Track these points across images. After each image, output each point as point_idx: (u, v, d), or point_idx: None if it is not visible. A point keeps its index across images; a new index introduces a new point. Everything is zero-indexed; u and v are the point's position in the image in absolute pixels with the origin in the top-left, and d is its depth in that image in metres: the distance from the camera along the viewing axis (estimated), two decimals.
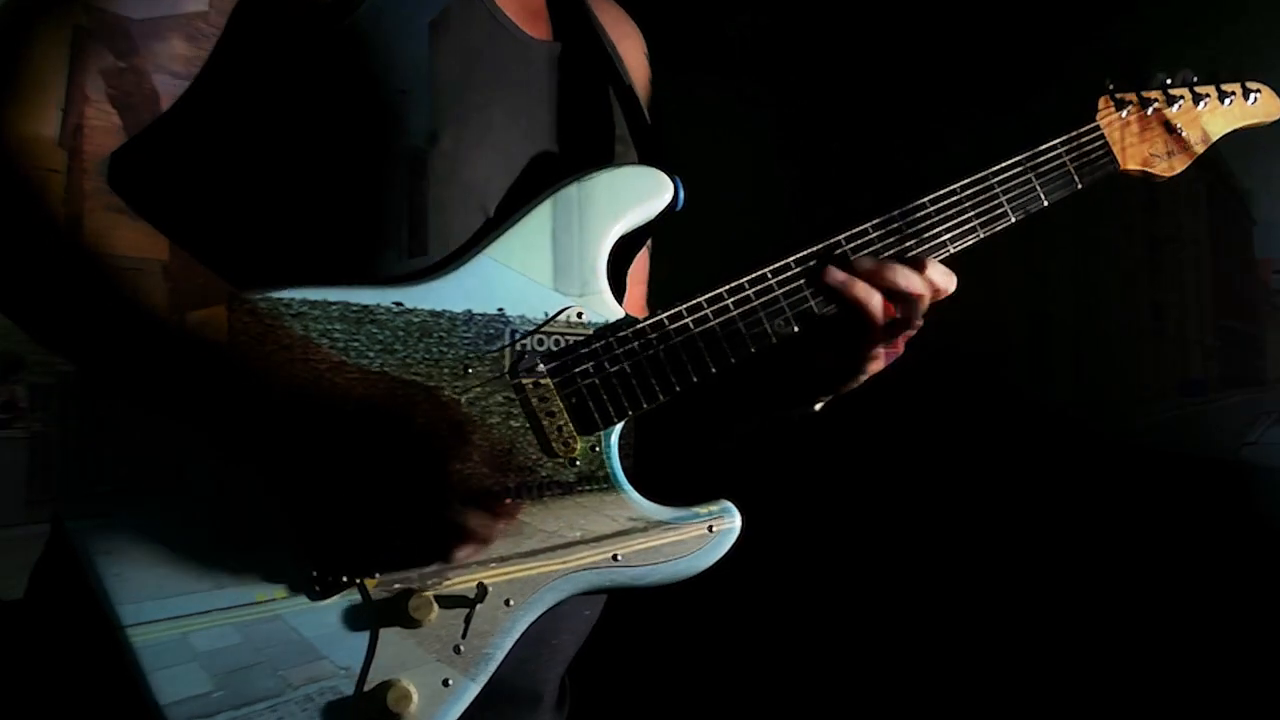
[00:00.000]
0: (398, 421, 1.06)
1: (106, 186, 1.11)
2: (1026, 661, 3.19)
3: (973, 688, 3.21)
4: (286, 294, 1.11)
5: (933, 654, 3.32)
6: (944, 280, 1.33)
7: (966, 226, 1.39)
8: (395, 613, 1.11)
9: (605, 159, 1.40)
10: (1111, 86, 1.50)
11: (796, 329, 1.31)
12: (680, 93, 1.65)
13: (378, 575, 1.11)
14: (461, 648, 1.13)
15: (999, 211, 1.41)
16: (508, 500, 1.08)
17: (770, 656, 3.37)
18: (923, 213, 1.38)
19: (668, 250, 1.62)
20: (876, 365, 1.37)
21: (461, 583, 1.14)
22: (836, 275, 1.30)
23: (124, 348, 1.08)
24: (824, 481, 3.53)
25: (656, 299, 1.57)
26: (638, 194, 1.29)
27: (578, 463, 1.21)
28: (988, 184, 1.40)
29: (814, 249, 1.33)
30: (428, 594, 1.12)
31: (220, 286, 1.10)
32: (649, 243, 1.56)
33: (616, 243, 1.29)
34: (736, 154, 3.77)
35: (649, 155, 1.45)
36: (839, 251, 1.33)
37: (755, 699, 3.31)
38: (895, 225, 1.36)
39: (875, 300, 1.30)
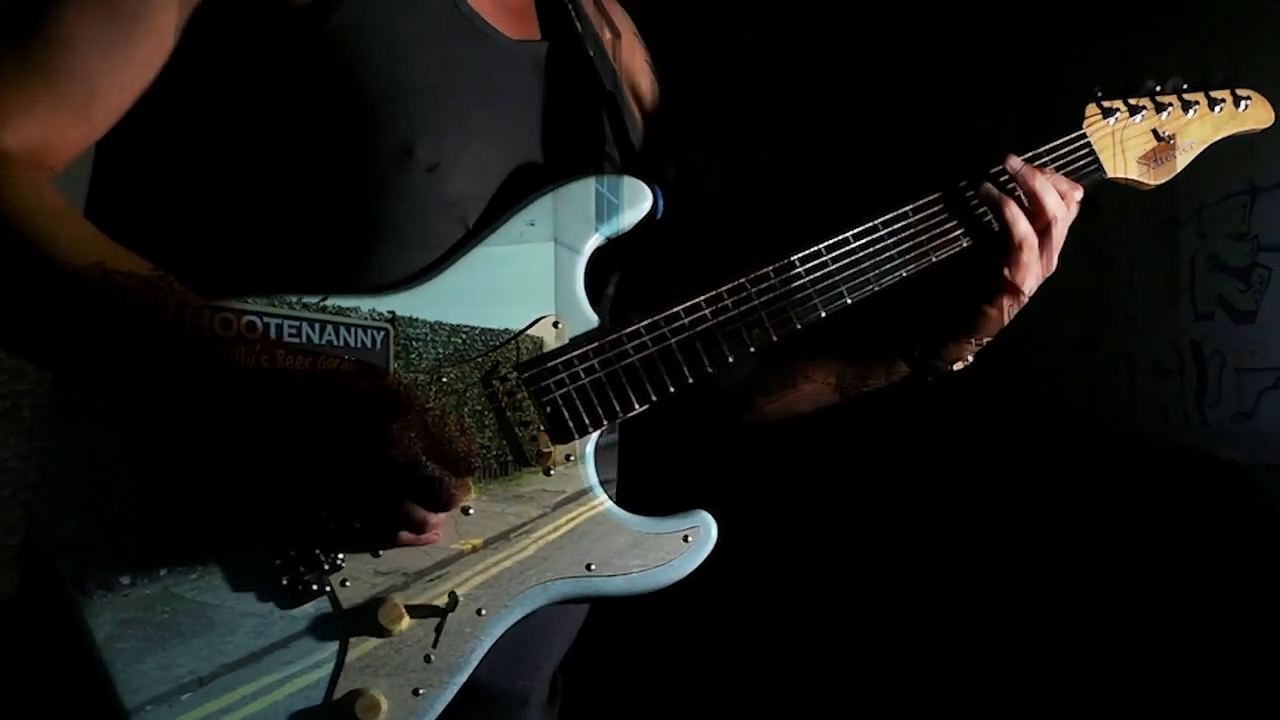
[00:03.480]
0: (357, 406, 1.06)
1: (60, 195, 1.12)
2: (1021, 662, 3.16)
3: (966, 687, 3.19)
4: (259, 299, 1.12)
5: (922, 652, 3.31)
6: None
7: (951, 235, 1.38)
8: (365, 621, 1.11)
9: (590, 164, 1.38)
10: (1100, 94, 1.49)
11: (775, 338, 1.30)
12: (678, 94, 1.63)
13: (347, 582, 1.11)
14: (432, 657, 1.13)
15: (986, 219, 1.39)
16: (456, 492, 1.07)
17: (766, 651, 3.37)
18: (903, 222, 1.37)
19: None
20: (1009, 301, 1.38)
21: (433, 591, 1.14)
22: (993, 192, 1.37)
23: (91, 353, 1.09)
24: (811, 482, 3.53)
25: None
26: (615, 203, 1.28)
27: (552, 472, 1.20)
28: (970, 192, 1.39)
29: (805, 253, 1.32)
30: (398, 602, 1.12)
31: (189, 294, 1.10)
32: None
33: (605, 248, 1.29)
34: (734, 155, 3.77)
35: (634, 160, 1.43)
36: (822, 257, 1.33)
37: (751, 695, 3.31)
38: (879, 235, 1.36)
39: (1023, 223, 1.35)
